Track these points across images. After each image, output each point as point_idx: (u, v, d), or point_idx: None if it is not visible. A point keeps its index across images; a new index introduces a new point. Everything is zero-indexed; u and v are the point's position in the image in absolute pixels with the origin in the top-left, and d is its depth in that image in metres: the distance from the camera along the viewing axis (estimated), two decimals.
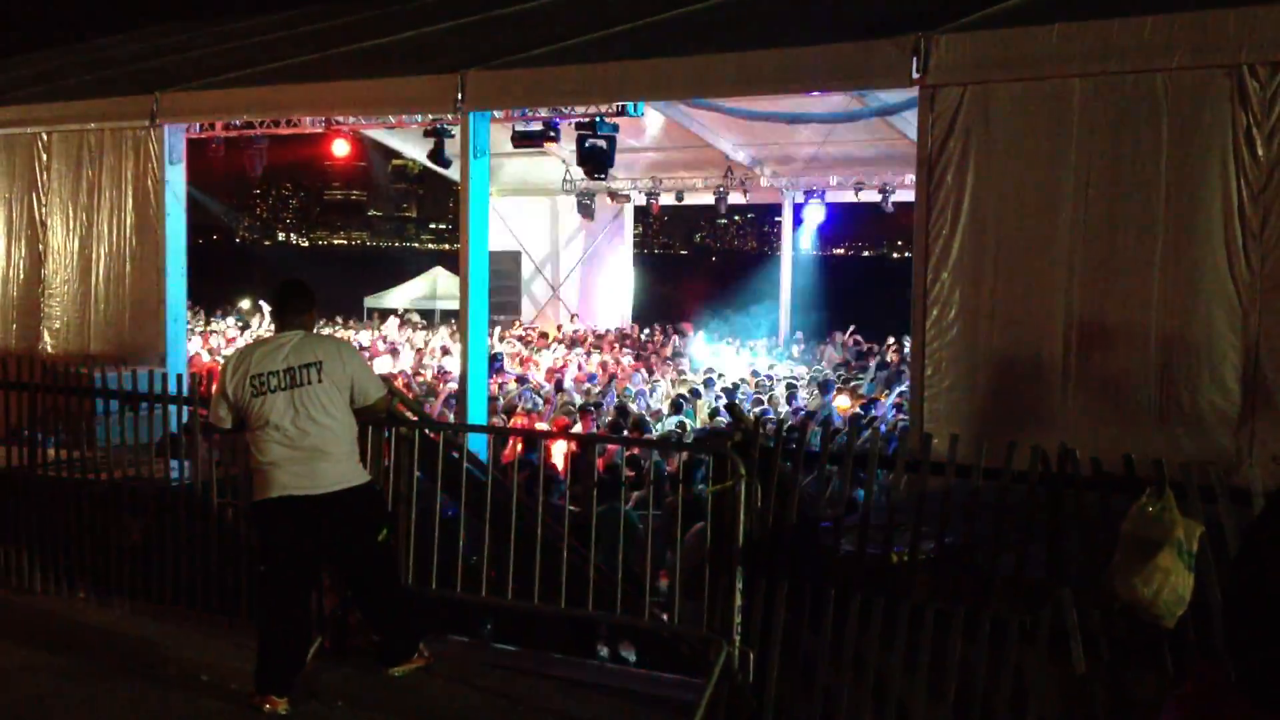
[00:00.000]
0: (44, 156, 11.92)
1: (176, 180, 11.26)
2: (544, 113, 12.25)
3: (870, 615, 4.67)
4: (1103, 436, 6.06)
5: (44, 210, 11.87)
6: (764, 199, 20.90)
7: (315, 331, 5.54)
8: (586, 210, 20.62)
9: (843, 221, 21.35)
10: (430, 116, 13.06)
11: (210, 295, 24.26)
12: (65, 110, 11.94)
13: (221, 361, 9.56)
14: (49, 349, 11.60)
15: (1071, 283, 6.66)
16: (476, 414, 9.89)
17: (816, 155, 17.92)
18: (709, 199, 19.61)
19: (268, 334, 8.15)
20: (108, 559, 6.92)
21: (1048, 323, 6.71)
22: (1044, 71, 6.82)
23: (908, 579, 4.56)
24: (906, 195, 16.16)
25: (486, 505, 6.05)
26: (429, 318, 25.18)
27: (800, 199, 19.63)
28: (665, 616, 5.61)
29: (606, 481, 7.70)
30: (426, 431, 6.12)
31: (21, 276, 12.02)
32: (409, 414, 6.05)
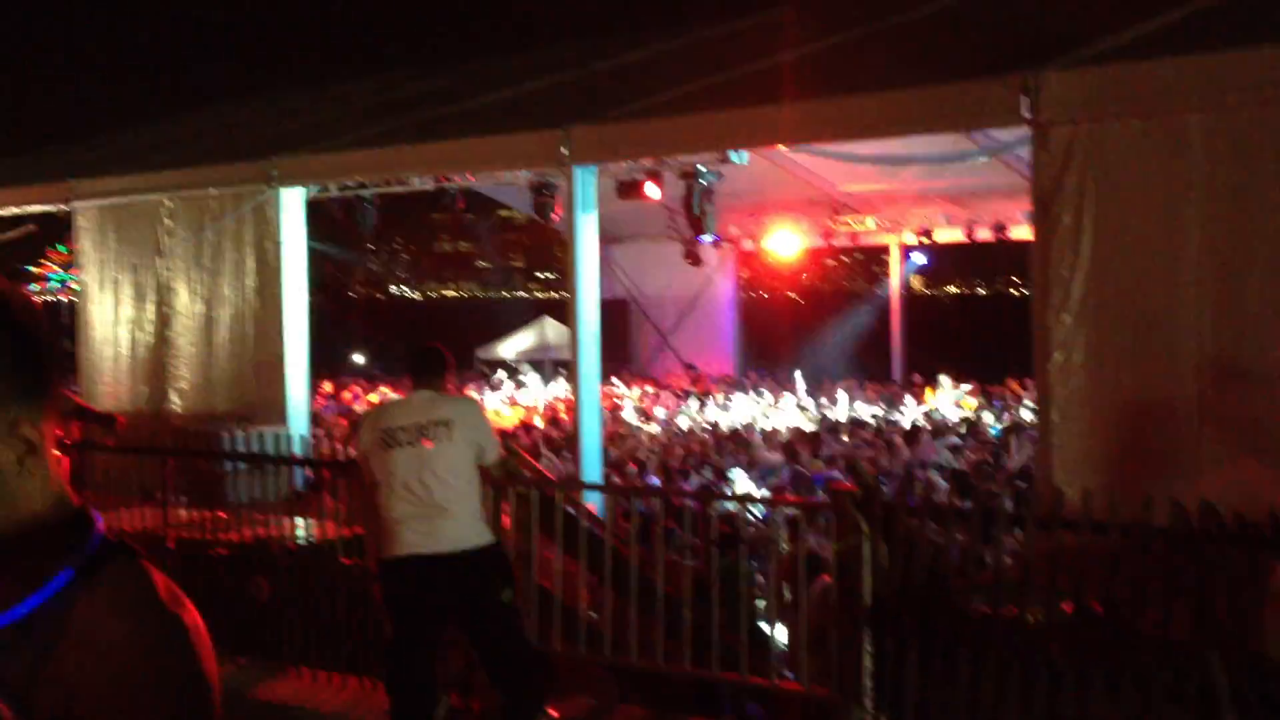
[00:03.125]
0: (167, 222, 12.31)
1: (294, 241, 11.55)
2: (648, 163, 12.29)
3: (1006, 677, 4.53)
4: (1241, 484, 5.82)
5: (168, 274, 12.25)
6: (872, 239, 20.70)
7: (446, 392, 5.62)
8: (693, 256, 20.61)
9: (955, 258, 21.04)
10: (536, 171, 13.21)
11: (328, 351, 24.78)
12: (185, 177, 12.33)
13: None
14: (176, 409, 11.92)
15: (1202, 322, 6.44)
16: (591, 467, 9.87)
17: (925, 193, 17.68)
18: (816, 241, 19.49)
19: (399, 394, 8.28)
20: (238, 619, 7.04)
21: (1179, 365, 6.49)
22: (1160, 107, 6.65)
23: (1045, 639, 4.41)
24: (1021, 231, 15.84)
25: (606, 562, 6.03)
26: (539, 368, 25.35)
27: (908, 239, 19.41)
28: (791, 675, 5.52)
29: (727, 535, 7.62)
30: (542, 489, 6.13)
31: (149, 339, 12.40)
32: (525, 471, 6.07)
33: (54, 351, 1.43)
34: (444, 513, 5.21)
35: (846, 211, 18.76)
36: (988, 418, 15.96)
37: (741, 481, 11.35)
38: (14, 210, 14.36)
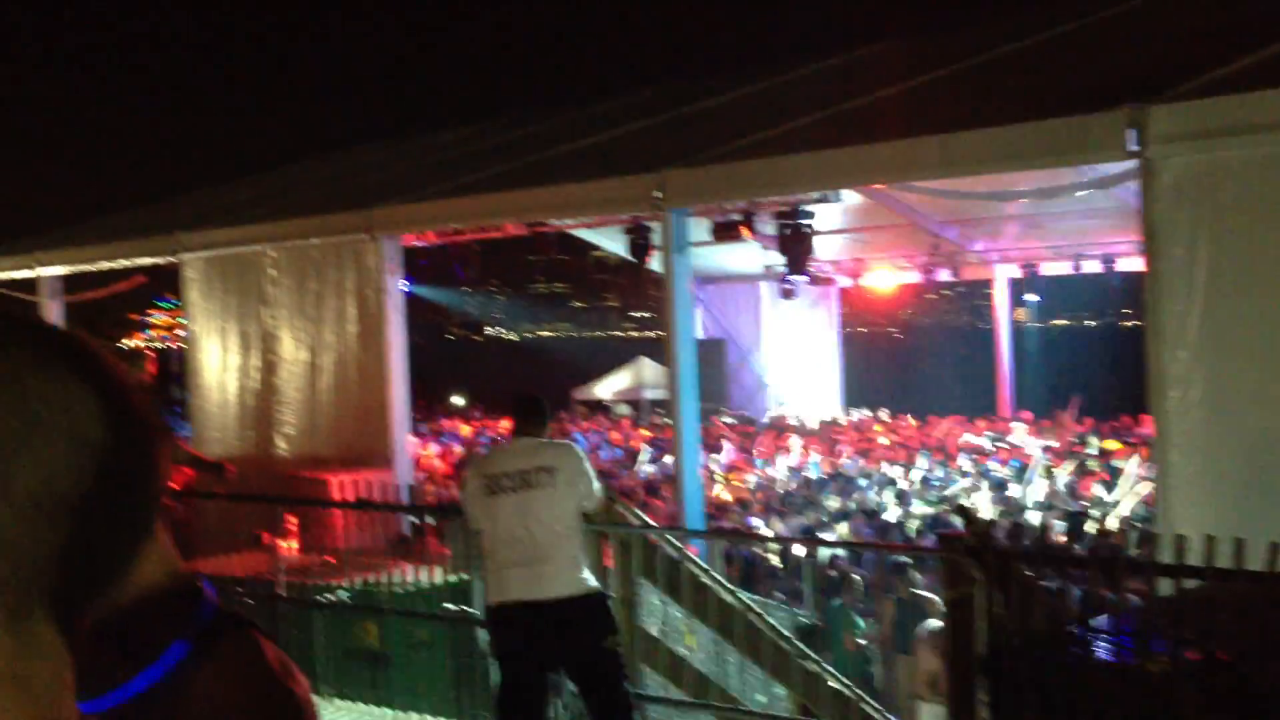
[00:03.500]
0: (271, 272, 12.59)
1: (394, 288, 11.73)
2: (742, 204, 12.28)
3: None
4: None
5: (273, 322, 12.51)
6: (975, 274, 20.38)
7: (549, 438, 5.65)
8: (789, 294, 20.49)
9: (1062, 291, 20.63)
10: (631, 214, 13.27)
11: (429, 393, 25.10)
12: (288, 228, 12.60)
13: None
14: (283, 455, 12.14)
15: None
16: (692, 508, 9.78)
17: (1031, 225, 17.37)
18: (915, 276, 19.25)
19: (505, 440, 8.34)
20: (347, 663, 7.10)
21: None
22: (1271, 138, 6.46)
23: (1169, 690, 4.25)
24: (1131, 263, 15.47)
25: (709, 608, 5.97)
26: (636, 408, 25.36)
27: (1014, 272, 19.10)
28: None
29: (833, 580, 7.52)
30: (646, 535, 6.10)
31: (256, 386, 12.66)
32: (629, 518, 6.05)
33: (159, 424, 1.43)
34: (548, 559, 5.21)
35: (949, 245, 18.50)
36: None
37: (849, 524, 11.20)
38: (124, 263, 14.82)
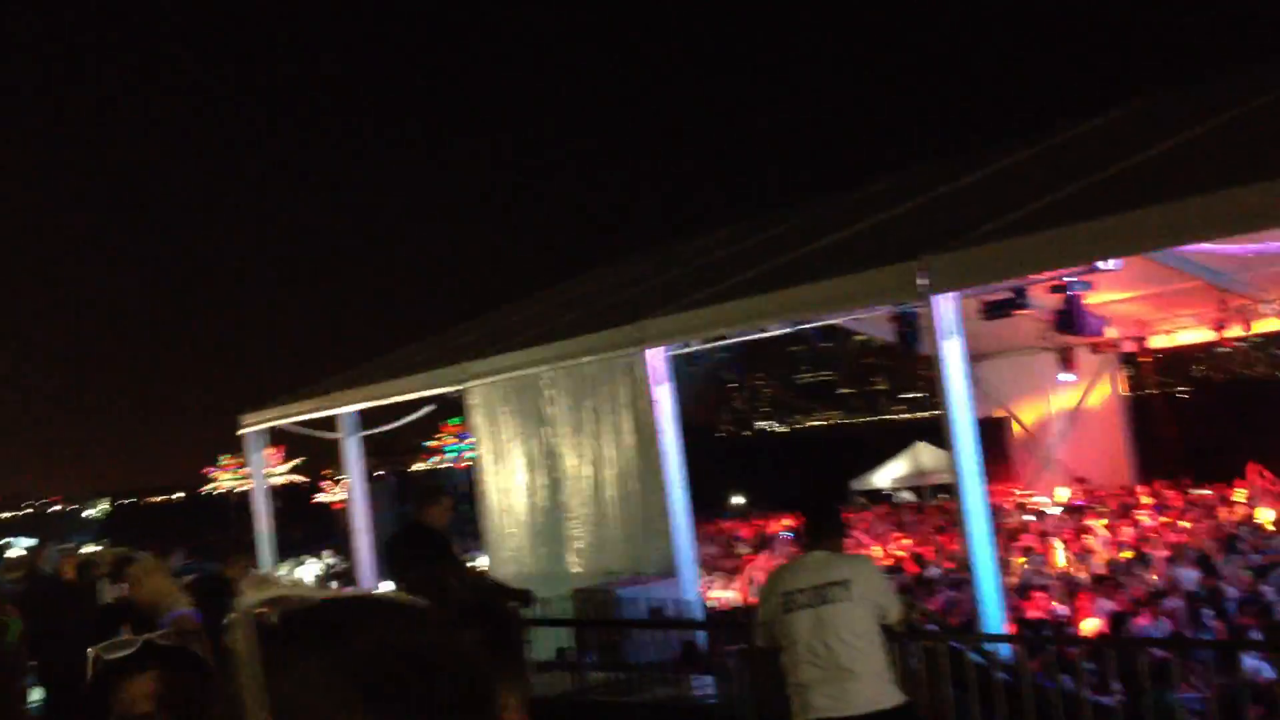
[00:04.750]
0: (548, 392, 13.05)
1: (665, 398, 11.94)
2: (1011, 281, 11.94)
3: None
4: None
5: (554, 440, 12.94)
6: (1271, 326, 19.07)
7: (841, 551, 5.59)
8: (1069, 364, 19.71)
9: None
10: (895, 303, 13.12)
11: (706, 494, 25.24)
12: (562, 349, 13.08)
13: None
14: (573, 569, 12.45)
15: None
16: (989, 601, 9.37)
17: None
18: (1204, 334, 18.21)
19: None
20: None
21: None
22: None
23: None
24: None
25: (1027, 708, 5.71)
26: (919, 494, 24.78)
27: None
28: None
29: (1155, 668, 7.05)
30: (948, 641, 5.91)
31: (544, 504, 13.09)
32: (928, 625, 5.89)
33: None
34: (851, 675, 5.12)
35: (1238, 298, 17.42)
36: None
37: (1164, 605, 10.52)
38: (413, 395, 15.70)
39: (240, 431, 18.75)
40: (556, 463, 12.91)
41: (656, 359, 11.93)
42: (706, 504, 26.23)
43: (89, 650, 2.97)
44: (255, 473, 19.02)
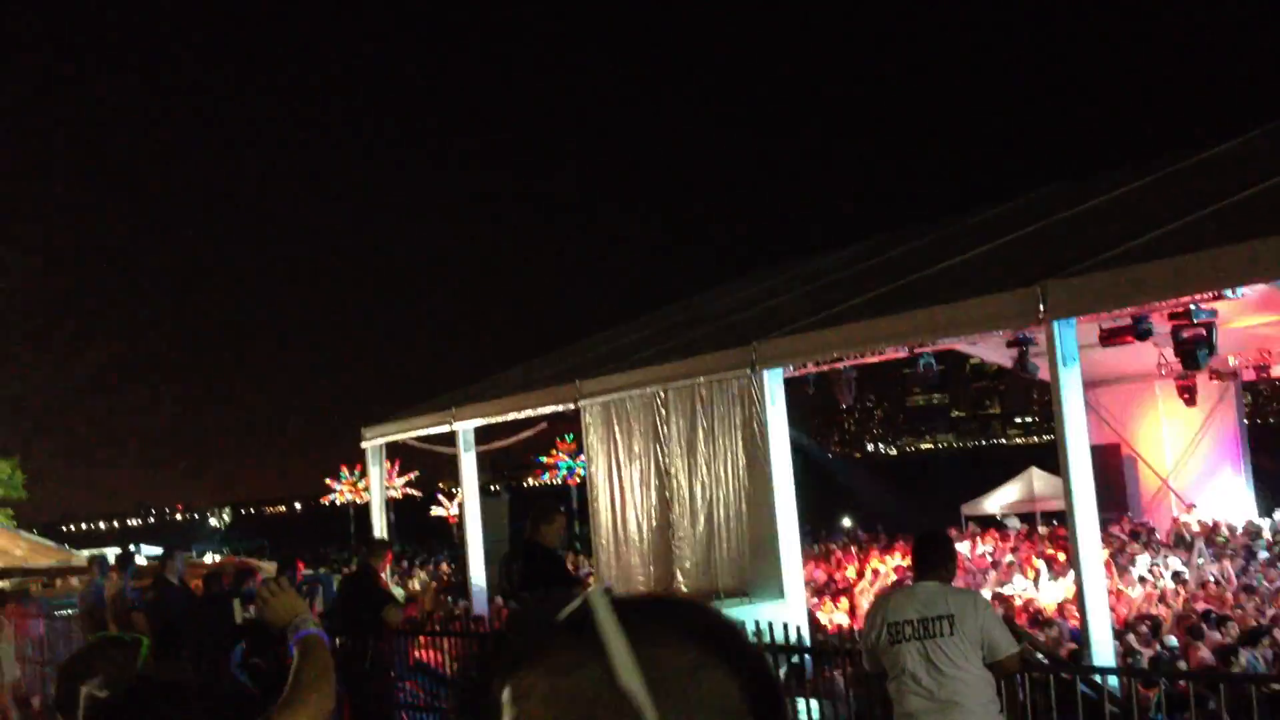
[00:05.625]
0: (662, 411, 13.23)
1: (777, 420, 12.03)
2: (1131, 308, 11.79)
3: None
4: None
5: (667, 460, 13.11)
6: None
7: (951, 584, 5.65)
8: (1189, 393, 19.30)
9: None
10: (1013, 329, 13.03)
11: (815, 515, 25.21)
12: (676, 369, 13.23)
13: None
14: (683, 588, 12.59)
15: None
16: (1099, 630, 9.27)
17: None
18: None
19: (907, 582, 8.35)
20: None
21: None
22: None
23: None
24: None
25: None
26: (1029, 521, 24.41)
27: None
28: None
29: (1264, 702, 6.96)
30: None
31: (654, 523, 13.26)
32: (1041, 657, 5.92)
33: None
34: (956, 707, 5.18)
35: None
36: None
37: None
38: (530, 413, 16.01)
39: (363, 444, 19.27)
40: (668, 482, 13.07)
41: (771, 380, 12.02)
42: (815, 526, 26.26)
43: (81, 687, 3.17)
44: (374, 485, 19.53)
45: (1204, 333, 11.33)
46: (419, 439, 18.48)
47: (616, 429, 13.88)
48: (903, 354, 14.28)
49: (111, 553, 18.59)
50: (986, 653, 5.26)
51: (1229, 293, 10.76)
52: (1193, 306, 11.30)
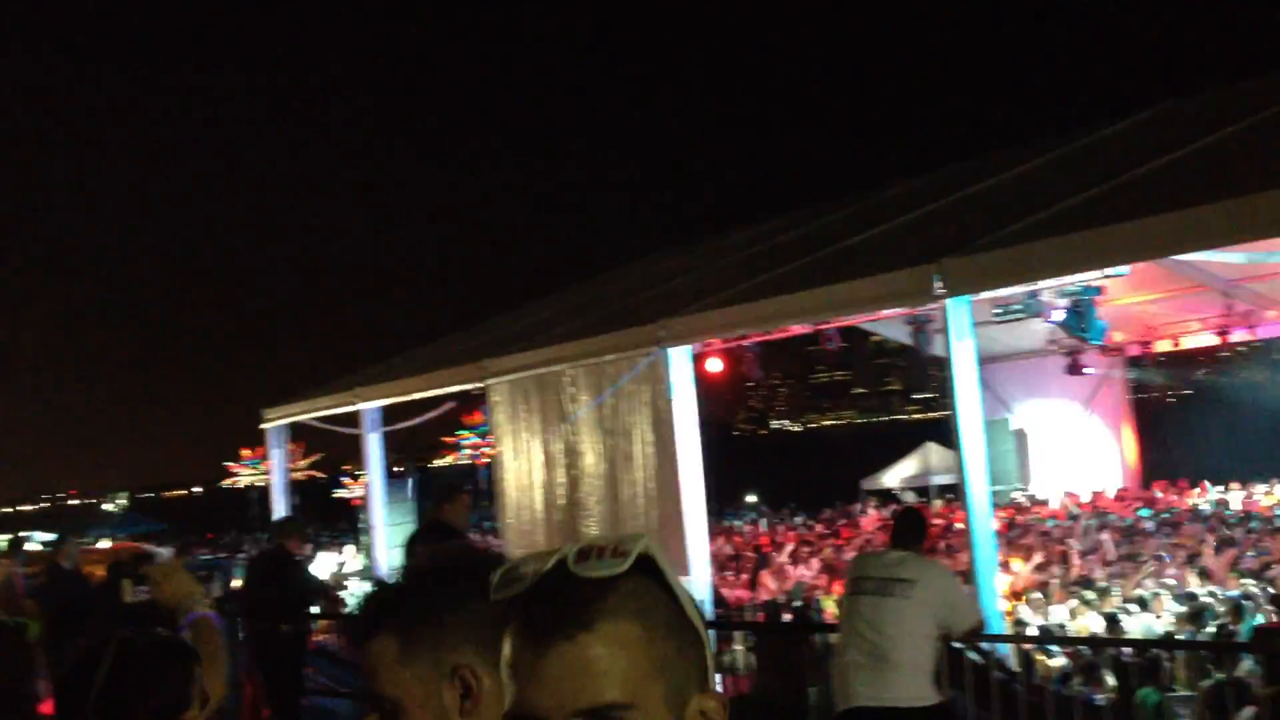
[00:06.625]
0: (570, 389, 13.29)
1: (685, 397, 12.16)
2: (1024, 286, 12.15)
3: None
4: None
5: (574, 439, 13.17)
6: (1276, 331, 19.32)
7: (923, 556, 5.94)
8: (1076, 369, 19.94)
9: None
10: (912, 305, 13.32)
11: (720, 492, 25.49)
12: (583, 347, 13.28)
13: None
14: None
15: None
16: (988, 602, 9.54)
17: None
18: (1210, 339, 18.48)
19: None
20: None
21: None
22: None
23: None
24: None
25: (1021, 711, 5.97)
26: (924, 494, 25.02)
27: None
28: None
29: (1142, 666, 7.32)
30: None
31: (561, 502, 13.33)
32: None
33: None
34: (891, 665, 5.39)
35: (1244, 303, 17.67)
36: None
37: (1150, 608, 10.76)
38: (436, 392, 15.97)
39: (263, 426, 19.05)
40: (575, 460, 13.14)
41: (678, 358, 12.15)
42: (721, 504, 26.55)
43: None
44: (276, 467, 19.31)
45: (1092, 309, 11.74)
46: (321, 419, 18.30)
47: (524, 408, 13.91)
48: (807, 331, 14.55)
49: (2, 539, 18.19)
50: (946, 622, 5.51)
51: (1114, 270, 11.18)
52: (1082, 284, 11.71)
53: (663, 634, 1.26)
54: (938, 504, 22.05)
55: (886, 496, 25.79)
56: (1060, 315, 12.40)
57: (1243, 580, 11.61)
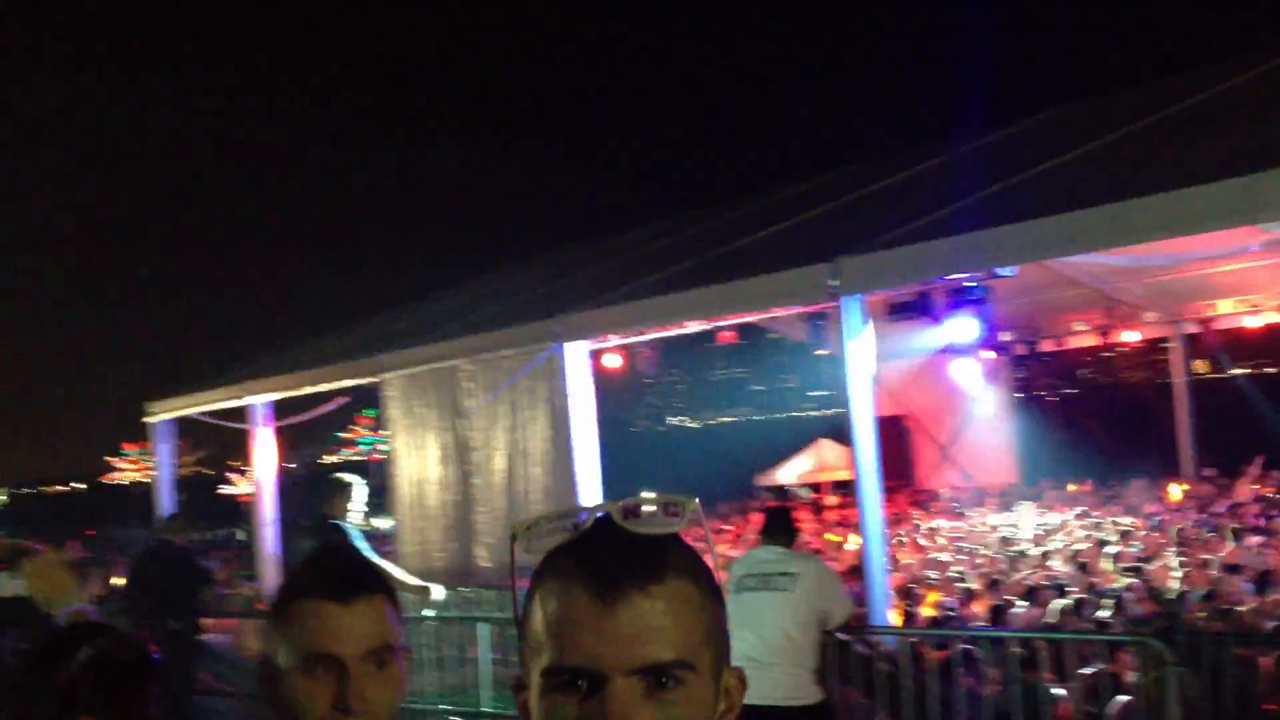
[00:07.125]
0: (465, 384, 13.17)
1: (581, 393, 12.14)
2: (916, 284, 12.35)
3: None
4: None
5: (470, 434, 13.06)
6: (1153, 332, 20.00)
7: (796, 550, 6.01)
8: (966, 366, 20.38)
9: (1246, 341, 20.04)
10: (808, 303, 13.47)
11: (618, 489, 25.45)
12: (479, 341, 13.17)
13: None
14: (480, 563, 12.61)
15: None
16: (878, 596, 9.65)
17: (1204, 280, 17.01)
18: (1092, 340, 19.10)
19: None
20: None
21: None
22: None
23: None
24: None
25: (905, 701, 6.07)
26: (817, 491, 25.31)
27: (1191, 328, 18.76)
28: None
29: (1025, 658, 7.48)
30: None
31: (456, 498, 13.20)
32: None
33: None
34: (773, 662, 5.43)
35: (1122, 306, 18.24)
36: None
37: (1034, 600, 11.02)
38: (328, 386, 15.70)
39: (146, 420, 18.57)
40: (471, 456, 13.03)
41: (576, 354, 12.11)
42: (618, 497, 26.50)
43: None
44: (161, 464, 18.83)
45: (980, 309, 12.00)
46: (208, 414, 17.88)
47: (418, 403, 13.75)
48: (704, 327, 14.62)
49: None
50: (823, 616, 5.56)
51: (1002, 270, 11.43)
52: (972, 283, 11.96)
53: (712, 599, 1.24)
54: (832, 499, 22.33)
55: (780, 493, 26.01)
56: (951, 315, 12.67)
57: (1122, 574, 11.94)
